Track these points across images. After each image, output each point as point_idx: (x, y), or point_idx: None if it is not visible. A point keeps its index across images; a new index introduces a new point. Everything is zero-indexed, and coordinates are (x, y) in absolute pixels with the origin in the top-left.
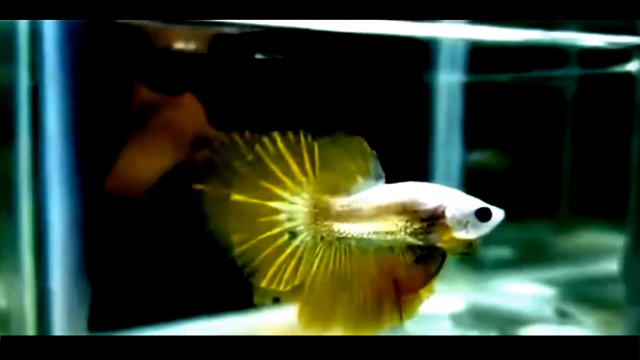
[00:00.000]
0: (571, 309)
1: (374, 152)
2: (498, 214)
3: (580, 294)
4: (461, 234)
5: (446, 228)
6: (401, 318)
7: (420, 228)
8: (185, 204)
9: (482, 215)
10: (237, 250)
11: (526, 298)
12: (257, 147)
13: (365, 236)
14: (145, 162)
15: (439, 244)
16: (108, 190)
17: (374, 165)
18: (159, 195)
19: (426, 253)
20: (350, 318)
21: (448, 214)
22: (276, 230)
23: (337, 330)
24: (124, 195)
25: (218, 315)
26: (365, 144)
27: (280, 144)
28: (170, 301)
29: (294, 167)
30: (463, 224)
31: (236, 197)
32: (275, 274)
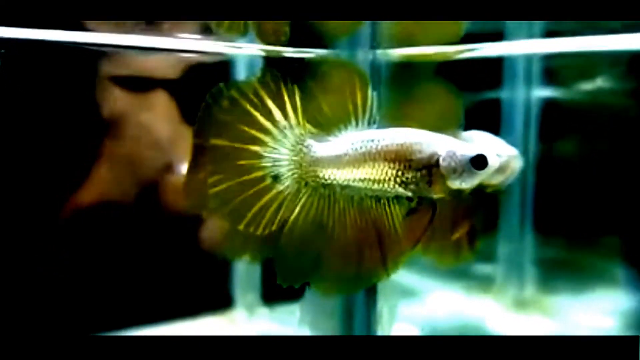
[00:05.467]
0: None
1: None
2: (494, 161)
3: None
4: (456, 184)
5: (440, 177)
6: (385, 272)
7: (413, 178)
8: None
9: (478, 162)
10: (212, 191)
11: None
12: (233, 92)
13: (350, 184)
14: (121, 174)
15: (430, 195)
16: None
17: (372, 104)
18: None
19: (417, 205)
20: (329, 269)
21: (443, 163)
22: (258, 174)
23: (314, 281)
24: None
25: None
26: (366, 75)
27: (260, 89)
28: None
29: (275, 111)
30: (458, 172)
31: (215, 141)
32: (253, 218)
